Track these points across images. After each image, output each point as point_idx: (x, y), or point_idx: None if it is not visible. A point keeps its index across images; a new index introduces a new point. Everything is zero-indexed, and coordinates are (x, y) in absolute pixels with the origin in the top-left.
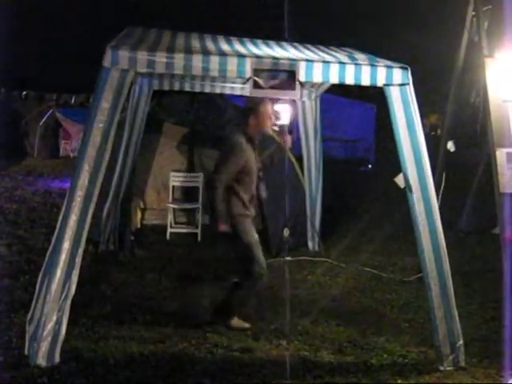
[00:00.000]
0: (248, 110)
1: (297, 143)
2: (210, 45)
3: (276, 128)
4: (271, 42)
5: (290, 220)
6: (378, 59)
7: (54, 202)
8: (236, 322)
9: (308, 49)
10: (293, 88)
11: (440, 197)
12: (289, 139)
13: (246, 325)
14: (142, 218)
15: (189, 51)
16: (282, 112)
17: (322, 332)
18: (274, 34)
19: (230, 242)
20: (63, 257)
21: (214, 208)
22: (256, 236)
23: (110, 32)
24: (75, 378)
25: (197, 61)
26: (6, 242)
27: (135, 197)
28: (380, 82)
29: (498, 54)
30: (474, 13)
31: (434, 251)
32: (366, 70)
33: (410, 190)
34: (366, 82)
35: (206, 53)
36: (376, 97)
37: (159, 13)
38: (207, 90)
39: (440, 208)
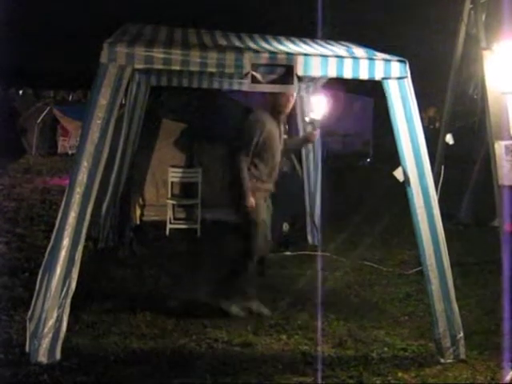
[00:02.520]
0: None
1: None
2: (208, 40)
3: (307, 120)
4: (269, 37)
5: (289, 215)
6: (375, 53)
7: (53, 199)
8: (257, 305)
9: (306, 43)
10: (291, 82)
11: (439, 189)
12: (317, 134)
13: (267, 310)
14: (141, 215)
15: (186, 46)
16: (317, 105)
17: (322, 326)
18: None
19: (237, 212)
20: (63, 254)
21: (238, 184)
22: (264, 217)
23: (107, 28)
24: (76, 375)
25: (194, 56)
26: (5, 240)
27: (134, 193)
28: (378, 76)
29: (496, 47)
30: (471, 5)
31: (433, 244)
32: (364, 64)
33: (409, 184)
34: (364, 75)
35: (203, 48)
36: (374, 90)
37: (156, 9)
38: (205, 85)
39: (439, 201)
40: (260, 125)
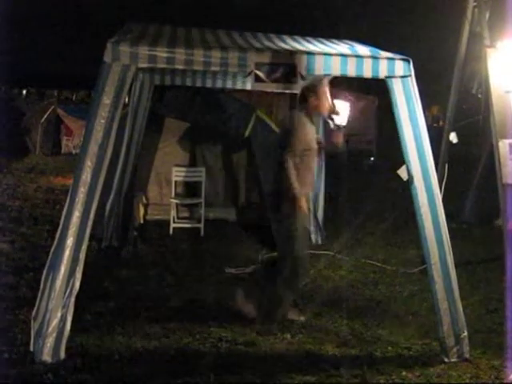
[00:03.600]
0: (307, 90)
1: None
2: (211, 39)
3: (331, 125)
4: (272, 36)
5: None
6: (379, 51)
7: (57, 198)
8: (292, 313)
9: (309, 41)
10: (294, 81)
11: (443, 188)
12: (340, 139)
13: (302, 317)
14: (145, 214)
15: (190, 45)
16: (341, 110)
17: (326, 325)
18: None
19: (278, 219)
20: (67, 253)
21: (288, 187)
22: (306, 221)
23: (111, 28)
24: (80, 374)
25: (198, 55)
26: (10, 239)
27: (138, 192)
28: (382, 74)
29: (500, 45)
30: (475, 3)
31: (437, 243)
32: (367, 63)
33: (412, 182)
34: (367, 74)
35: (207, 47)
36: (377, 89)
37: (159, 8)
38: (208, 84)
39: (443, 199)
40: (301, 126)
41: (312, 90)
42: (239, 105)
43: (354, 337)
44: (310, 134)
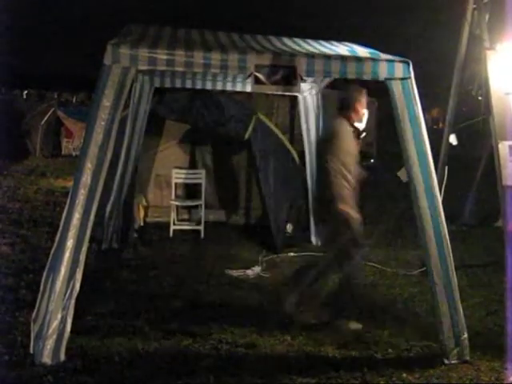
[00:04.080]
0: (351, 97)
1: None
2: (211, 41)
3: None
4: (272, 37)
5: (292, 215)
6: (379, 53)
7: (57, 200)
8: (352, 324)
9: (309, 44)
10: (294, 83)
11: (443, 190)
12: (359, 143)
13: (360, 326)
14: (145, 216)
15: (190, 48)
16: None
17: (326, 326)
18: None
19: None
20: (67, 255)
21: (331, 193)
22: (358, 216)
23: (111, 29)
24: (80, 376)
25: (198, 57)
26: (10, 241)
27: (138, 194)
28: (382, 76)
29: (500, 47)
30: (474, 5)
31: (437, 245)
32: (367, 65)
33: (411, 184)
34: (367, 76)
35: (207, 49)
36: (377, 91)
37: (159, 10)
38: (208, 86)
39: (443, 201)
40: (341, 133)
41: (354, 98)
42: (239, 107)
43: (354, 338)
44: (351, 141)
